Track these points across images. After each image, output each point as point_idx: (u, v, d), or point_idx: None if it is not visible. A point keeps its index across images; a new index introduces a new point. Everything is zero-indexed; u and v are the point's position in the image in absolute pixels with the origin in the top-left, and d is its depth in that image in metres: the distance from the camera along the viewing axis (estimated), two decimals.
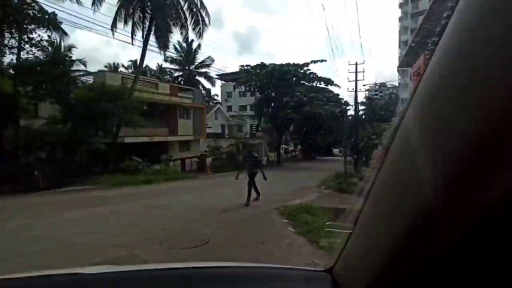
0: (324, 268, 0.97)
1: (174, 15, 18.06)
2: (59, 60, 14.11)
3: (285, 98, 28.65)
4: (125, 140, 17.92)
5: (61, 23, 14.60)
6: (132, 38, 17.93)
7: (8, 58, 13.59)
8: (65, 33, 16.58)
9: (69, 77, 14.86)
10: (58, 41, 16.29)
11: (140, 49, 18.02)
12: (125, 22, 17.52)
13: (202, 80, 36.44)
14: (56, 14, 13.70)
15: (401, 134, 0.55)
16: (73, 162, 15.75)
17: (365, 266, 0.67)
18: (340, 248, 0.85)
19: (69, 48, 16.66)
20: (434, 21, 14.08)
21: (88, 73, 21.26)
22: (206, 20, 19.15)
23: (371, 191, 0.65)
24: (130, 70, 37.90)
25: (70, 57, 15.27)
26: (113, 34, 17.67)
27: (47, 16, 13.08)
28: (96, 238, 5.55)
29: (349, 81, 23.57)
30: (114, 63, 41.20)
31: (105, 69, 31.98)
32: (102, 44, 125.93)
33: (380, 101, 63.50)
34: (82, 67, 25.67)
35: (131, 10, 17.55)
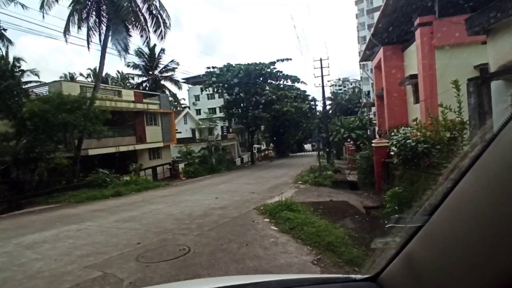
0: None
1: (132, 18, 17.29)
2: (6, 71, 12.83)
3: (254, 97, 28.64)
4: (89, 152, 17.07)
5: (5, 30, 13.35)
6: (88, 43, 16.93)
7: None
8: (10, 42, 15.20)
9: (20, 89, 13.60)
10: (3, 51, 14.92)
11: (98, 55, 17.07)
12: (79, 27, 16.48)
13: (168, 84, 35.36)
14: None
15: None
16: (32, 181, 14.55)
17: (429, 277, 0.66)
18: (386, 257, 0.83)
19: (18, 58, 15.30)
20: (389, 16, 14.65)
21: (42, 84, 19.84)
22: (167, 22, 18.56)
23: (442, 206, 0.64)
24: (89, 79, 35.93)
25: (19, 67, 13.94)
26: (66, 40, 16.54)
27: None
28: (64, 260, 5.03)
29: (315, 77, 24.13)
30: (70, 73, 38.90)
31: (61, 79, 30.04)
32: (53, 52, 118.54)
33: (345, 96, 65.96)
34: (34, 78, 23.89)
35: (85, 14, 16.53)
